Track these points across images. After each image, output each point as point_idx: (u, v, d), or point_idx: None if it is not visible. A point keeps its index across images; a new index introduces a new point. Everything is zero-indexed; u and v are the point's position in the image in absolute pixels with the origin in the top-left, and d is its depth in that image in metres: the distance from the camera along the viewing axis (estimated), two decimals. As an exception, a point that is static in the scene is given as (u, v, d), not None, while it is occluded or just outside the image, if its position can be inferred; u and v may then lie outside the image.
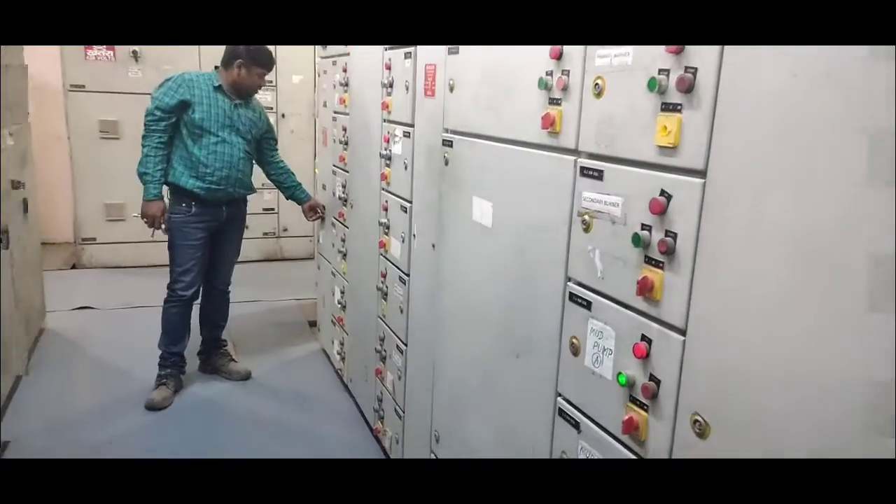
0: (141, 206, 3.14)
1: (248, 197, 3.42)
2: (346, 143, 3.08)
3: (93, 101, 5.15)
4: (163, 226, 3.16)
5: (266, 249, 5.81)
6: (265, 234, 5.76)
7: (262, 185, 5.81)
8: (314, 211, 3.63)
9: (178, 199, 3.17)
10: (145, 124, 3.08)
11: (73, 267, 5.41)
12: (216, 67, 3.21)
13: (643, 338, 1.19)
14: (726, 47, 1.00)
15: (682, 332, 1.11)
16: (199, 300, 3.38)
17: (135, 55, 5.19)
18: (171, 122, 3.07)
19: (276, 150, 3.53)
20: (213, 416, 3.14)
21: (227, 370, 3.51)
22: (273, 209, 5.75)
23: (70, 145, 5.21)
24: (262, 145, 3.41)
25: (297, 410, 3.23)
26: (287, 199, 3.67)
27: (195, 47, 5.08)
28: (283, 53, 5.48)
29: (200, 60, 5.02)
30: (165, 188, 3.16)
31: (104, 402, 3.21)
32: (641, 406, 1.20)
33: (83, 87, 5.13)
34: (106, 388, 3.34)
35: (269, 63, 3.20)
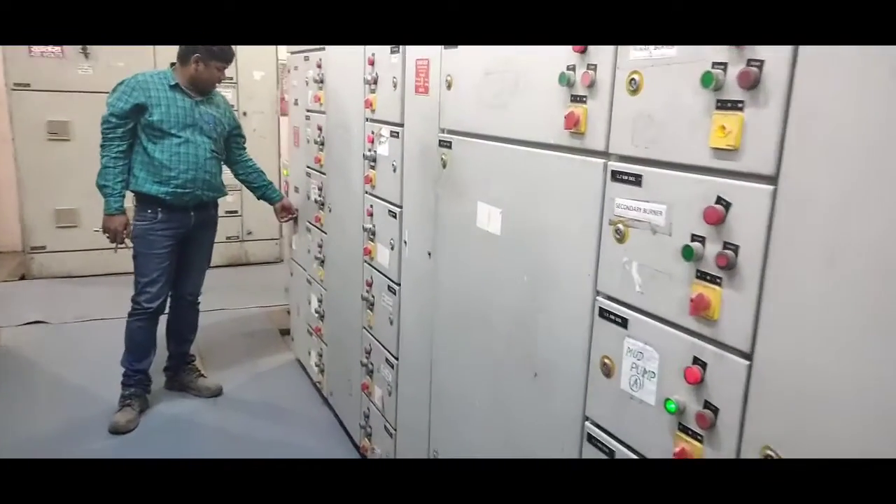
0: (102, 220, 2.92)
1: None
2: (322, 144, 2.90)
3: (39, 100, 4.82)
4: (126, 241, 2.96)
5: (230, 254, 5.57)
6: (229, 238, 5.51)
7: (226, 185, 5.67)
8: (287, 211, 3.44)
9: (143, 206, 2.95)
10: (102, 133, 2.87)
11: (22, 278, 5.07)
12: (172, 64, 2.99)
13: (696, 361, 1.08)
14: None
15: (747, 356, 1.00)
16: (166, 312, 3.16)
17: (84, 51, 4.88)
18: (129, 128, 2.86)
19: (245, 147, 3.34)
20: (183, 438, 2.93)
21: (197, 386, 3.29)
22: (237, 212, 5.51)
23: (15, 147, 4.87)
24: (230, 143, 3.22)
25: (275, 427, 3.05)
26: (258, 199, 3.47)
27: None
28: (244, 48, 5.24)
29: (155, 57, 4.74)
30: (130, 195, 2.94)
31: (63, 425, 2.97)
32: (695, 436, 1.08)
33: (28, 85, 4.80)
34: (65, 411, 3.09)
35: (228, 56, 2.99)
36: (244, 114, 5.42)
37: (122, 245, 2.97)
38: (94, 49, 4.88)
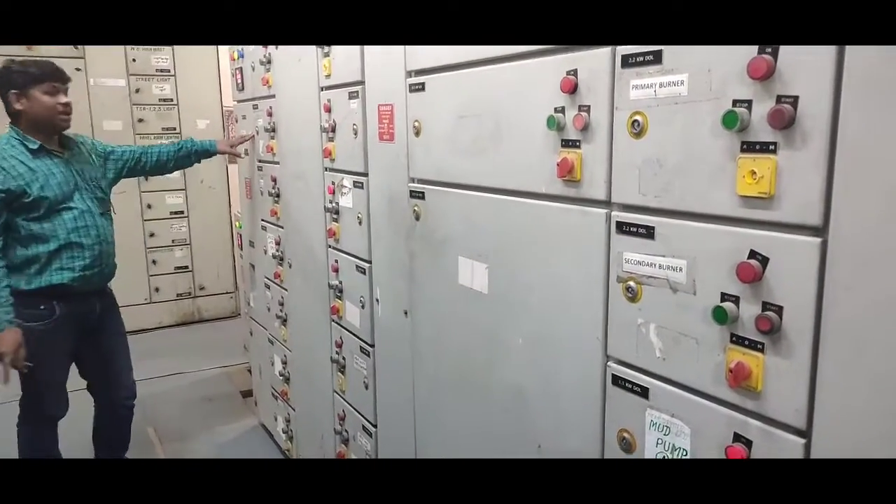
0: None
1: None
2: (278, 196, 2.72)
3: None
4: (25, 362, 2.28)
5: (181, 312, 5.26)
6: (179, 295, 5.22)
7: (173, 241, 5.37)
8: (234, 147, 3.00)
9: (31, 304, 2.34)
10: None
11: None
12: (12, 127, 2.36)
13: (737, 438, 0.94)
14: (847, 64, 0.77)
15: (802, 434, 0.86)
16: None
17: None
18: (2, 223, 2.28)
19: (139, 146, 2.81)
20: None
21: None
22: (187, 267, 5.23)
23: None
24: (134, 164, 2.71)
25: None
26: (197, 162, 3.01)
27: None
28: (186, 99, 5.03)
29: None
30: None
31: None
32: (744, 525, 0.94)
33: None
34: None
35: (48, 71, 2.35)
36: (190, 164, 5.18)
37: (24, 367, 2.29)
38: None
